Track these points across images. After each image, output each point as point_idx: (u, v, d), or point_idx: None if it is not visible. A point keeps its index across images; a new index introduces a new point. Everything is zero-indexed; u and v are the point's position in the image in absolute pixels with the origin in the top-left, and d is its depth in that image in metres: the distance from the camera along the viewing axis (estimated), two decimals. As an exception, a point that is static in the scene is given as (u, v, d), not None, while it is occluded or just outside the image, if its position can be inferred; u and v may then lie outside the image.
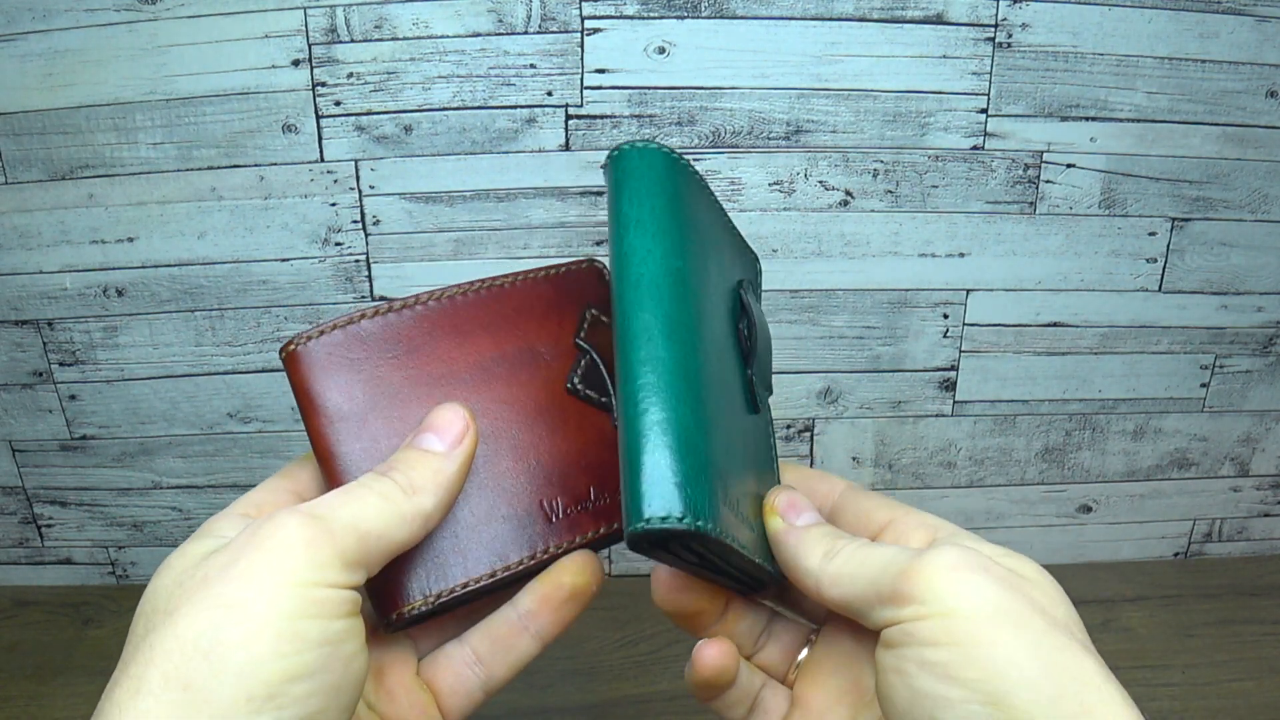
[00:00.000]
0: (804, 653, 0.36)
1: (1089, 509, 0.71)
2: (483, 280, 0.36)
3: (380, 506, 0.28)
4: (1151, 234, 0.63)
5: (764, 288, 0.45)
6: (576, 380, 0.36)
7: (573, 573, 0.33)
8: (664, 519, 0.27)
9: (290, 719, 0.24)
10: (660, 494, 0.27)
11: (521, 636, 0.33)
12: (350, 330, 0.34)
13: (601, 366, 0.36)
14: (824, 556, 0.31)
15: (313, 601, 0.25)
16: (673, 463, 0.28)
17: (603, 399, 0.36)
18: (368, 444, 0.32)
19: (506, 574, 0.32)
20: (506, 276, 0.37)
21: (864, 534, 0.33)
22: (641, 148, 0.36)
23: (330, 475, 0.32)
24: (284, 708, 0.24)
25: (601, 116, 0.58)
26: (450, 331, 0.35)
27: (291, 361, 0.33)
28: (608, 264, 0.35)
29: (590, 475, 0.34)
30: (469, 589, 0.31)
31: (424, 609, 0.31)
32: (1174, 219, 0.63)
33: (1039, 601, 0.28)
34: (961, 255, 0.63)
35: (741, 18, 0.56)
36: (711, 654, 0.32)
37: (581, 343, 0.36)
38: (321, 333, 0.34)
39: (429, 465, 0.30)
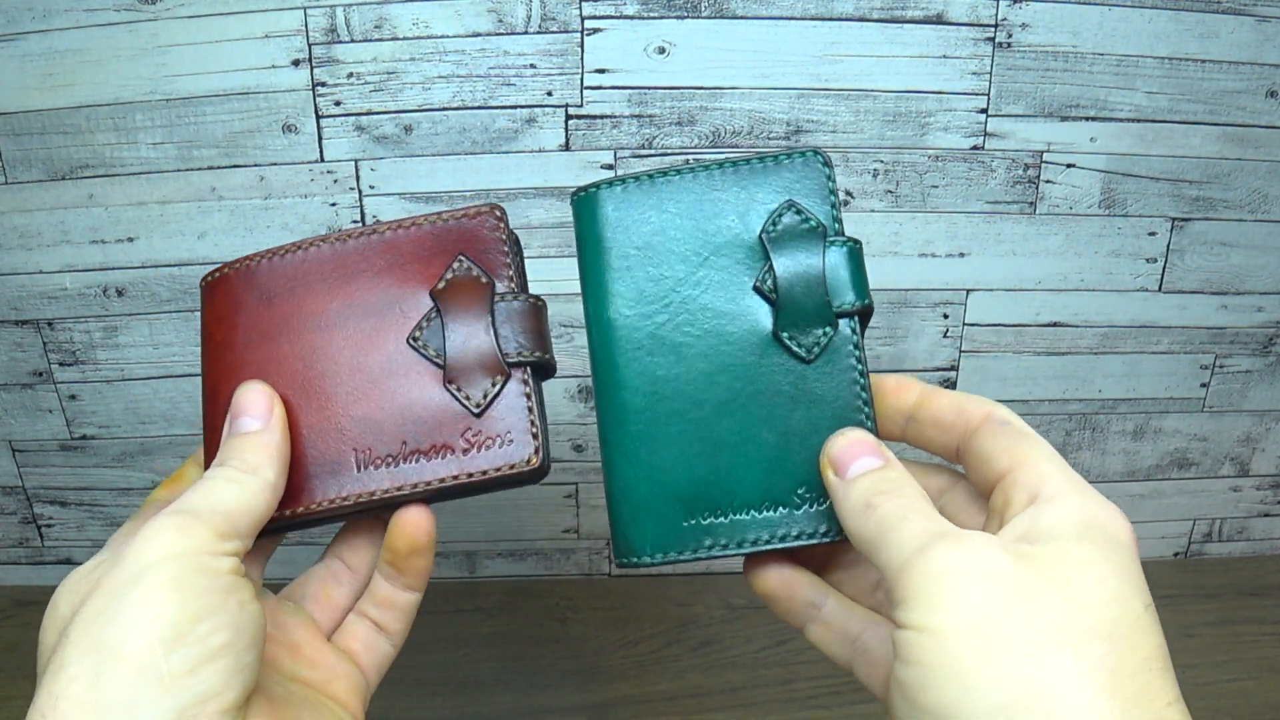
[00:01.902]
0: None
1: (1089, 509, 0.71)
2: (368, 227, 0.38)
3: (230, 489, 0.31)
4: (1151, 234, 0.63)
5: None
6: (418, 333, 0.36)
7: (396, 536, 0.35)
8: (623, 563, 0.35)
9: (201, 655, 0.26)
10: (617, 542, 0.35)
11: (397, 594, 0.36)
12: (242, 270, 0.38)
13: (444, 323, 0.36)
14: (860, 514, 0.30)
15: (198, 564, 0.28)
16: (613, 515, 0.35)
17: (438, 357, 0.35)
18: (236, 379, 0.36)
19: (320, 510, 0.35)
20: (393, 223, 0.37)
21: (982, 486, 0.32)
22: (579, 198, 0.38)
23: (208, 408, 0.36)
24: (193, 645, 0.26)
25: (601, 116, 0.58)
26: (321, 278, 0.37)
27: (202, 293, 0.38)
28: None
29: (405, 431, 0.35)
30: (296, 517, 0.35)
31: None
32: (1174, 219, 0.63)
33: (1047, 613, 0.25)
34: (961, 255, 0.63)
35: (741, 18, 0.56)
36: (765, 577, 0.35)
37: (435, 295, 0.36)
38: (226, 269, 0.38)
39: (256, 443, 0.33)
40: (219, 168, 0.58)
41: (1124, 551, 0.27)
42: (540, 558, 0.70)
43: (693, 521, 0.34)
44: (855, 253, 0.35)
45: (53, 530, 0.68)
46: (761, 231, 0.36)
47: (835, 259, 0.35)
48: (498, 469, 0.34)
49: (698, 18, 0.56)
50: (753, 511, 0.34)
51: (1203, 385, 0.68)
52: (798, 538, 0.34)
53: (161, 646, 0.26)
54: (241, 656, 0.27)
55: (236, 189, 0.59)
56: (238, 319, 0.37)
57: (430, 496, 0.35)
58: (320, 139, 0.58)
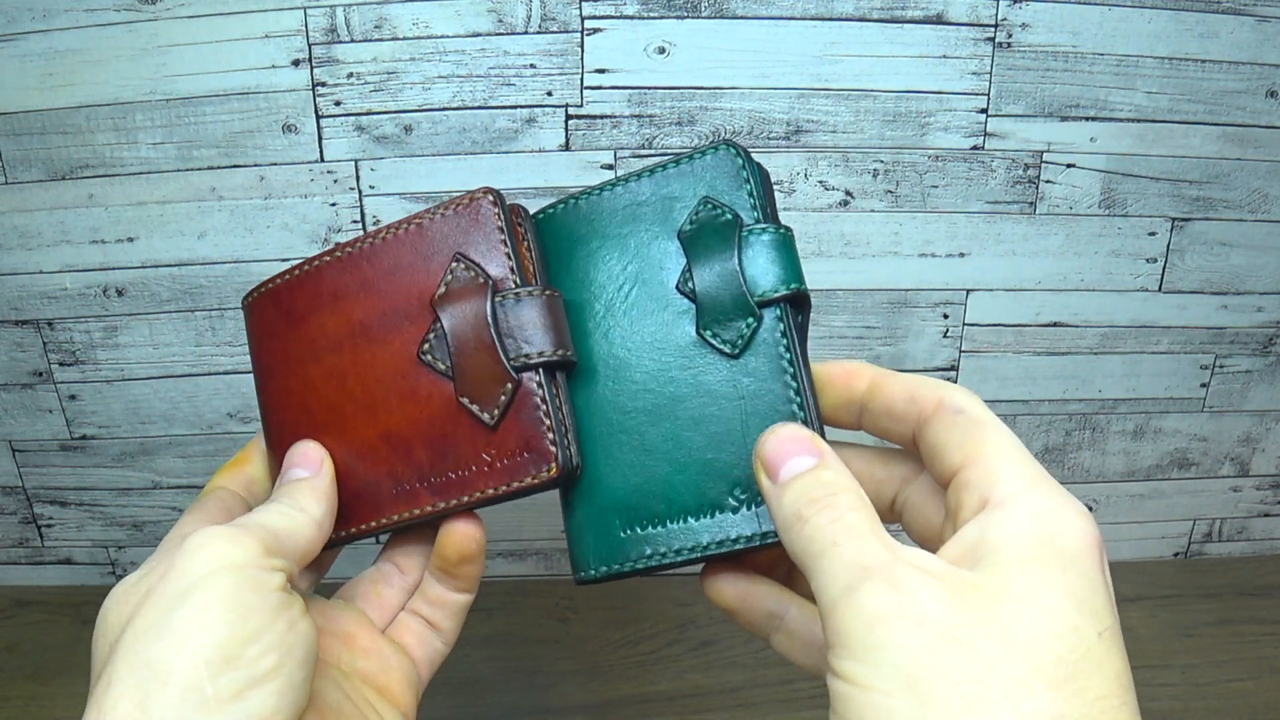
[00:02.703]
0: None
1: (1089, 509, 0.71)
2: (367, 235, 0.36)
3: (282, 514, 0.32)
4: (1151, 234, 0.63)
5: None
6: (426, 347, 0.34)
7: (446, 546, 0.35)
8: (576, 578, 0.35)
9: (250, 678, 0.26)
10: (571, 556, 0.36)
11: (448, 594, 0.37)
12: (270, 292, 0.37)
13: (447, 334, 0.34)
14: (792, 525, 0.27)
15: (247, 578, 0.27)
16: (566, 530, 0.36)
17: (449, 371, 0.34)
18: (284, 405, 0.37)
19: (363, 531, 0.36)
20: (400, 223, 0.36)
21: (939, 481, 0.29)
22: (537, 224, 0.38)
23: (264, 420, 0.37)
24: (241, 669, 0.26)
25: (601, 116, 0.58)
26: (331, 297, 0.36)
27: (245, 313, 0.39)
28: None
29: (431, 448, 0.34)
30: (339, 540, 0.36)
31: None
32: (1174, 219, 0.63)
33: (983, 652, 0.22)
34: (961, 255, 0.63)
35: (741, 18, 0.56)
36: (720, 588, 0.34)
37: (432, 307, 0.34)
38: (259, 291, 0.38)
39: (304, 487, 0.34)
40: (219, 168, 0.58)
41: (1080, 566, 0.24)
42: (540, 558, 0.70)
43: (630, 532, 0.34)
44: (779, 239, 0.34)
45: (53, 530, 0.68)
46: (678, 232, 0.35)
47: (754, 248, 0.34)
48: (521, 482, 0.33)
49: (698, 18, 0.56)
50: (690, 519, 0.33)
51: (1203, 385, 0.68)
52: (735, 542, 0.32)
53: (208, 669, 0.25)
54: (291, 677, 0.27)
55: (236, 189, 0.59)
56: (273, 343, 0.37)
57: (465, 510, 0.34)
58: (320, 139, 0.58)
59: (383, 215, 0.60)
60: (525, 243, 0.36)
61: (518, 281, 0.34)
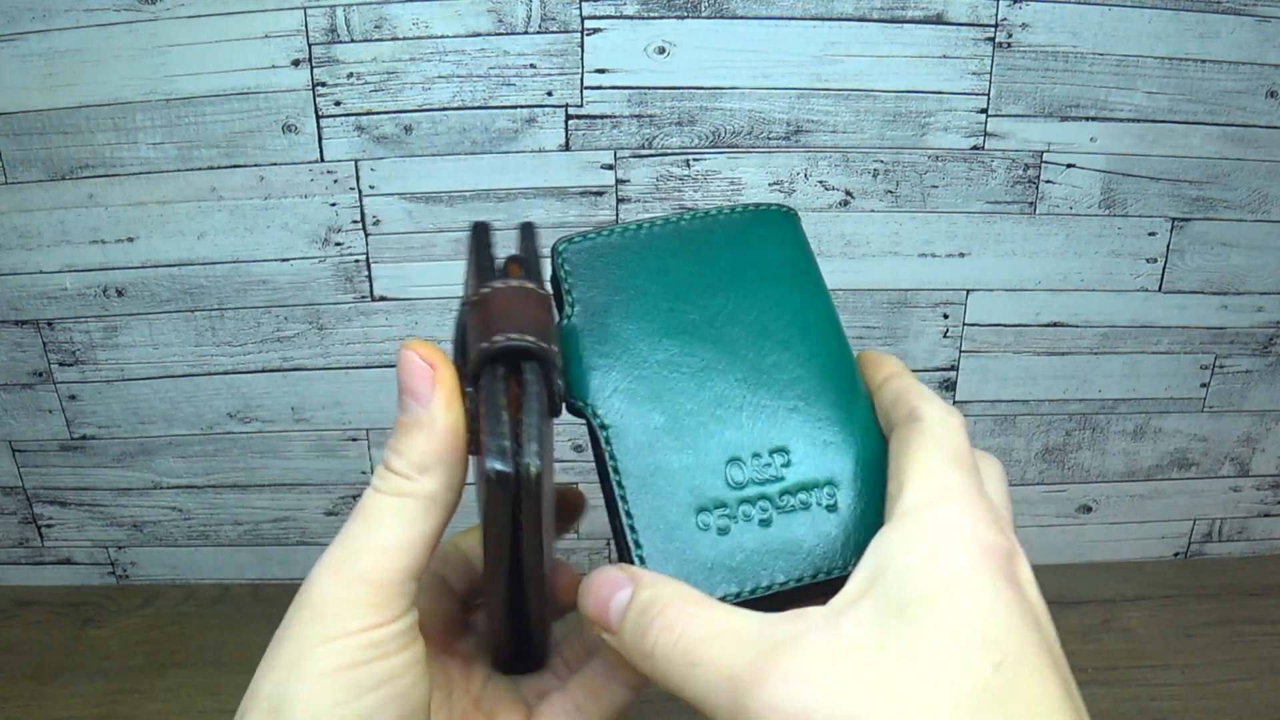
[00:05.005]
0: None
1: (1089, 509, 0.71)
2: None
3: (393, 519, 0.26)
4: (1151, 234, 0.63)
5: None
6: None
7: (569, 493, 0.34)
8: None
9: None
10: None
11: (610, 684, 0.32)
12: None
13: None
14: (640, 652, 0.25)
15: (360, 648, 0.25)
16: None
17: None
18: None
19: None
20: None
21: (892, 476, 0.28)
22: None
23: None
24: None
25: (601, 116, 0.58)
26: None
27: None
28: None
29: None
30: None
31: None
32: (1174, 219, 0.63)
33: (910, 698, 0.21)
34: (961, 255, 0.63)
35: (741, 18, 0.56)
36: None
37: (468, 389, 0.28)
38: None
39: (418, 438, 0.27)
40: (219, 168, 0.58)
41: (971, 591, 0.22)
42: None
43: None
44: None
45: (53, 530, 0.68)
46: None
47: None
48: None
49: (698, 18, 0.56)
50: None
51: (1203, 385, 0.68)
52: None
53: None
54: None
55: (236, 189, 0.59)
56: None
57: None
58: (320, 139, 0.58)
59: (383, 215, 0.60)
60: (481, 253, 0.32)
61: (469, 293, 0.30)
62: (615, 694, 0.32)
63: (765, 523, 0.29)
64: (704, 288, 0.33)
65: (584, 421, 0.30)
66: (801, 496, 0.30)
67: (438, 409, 0.26)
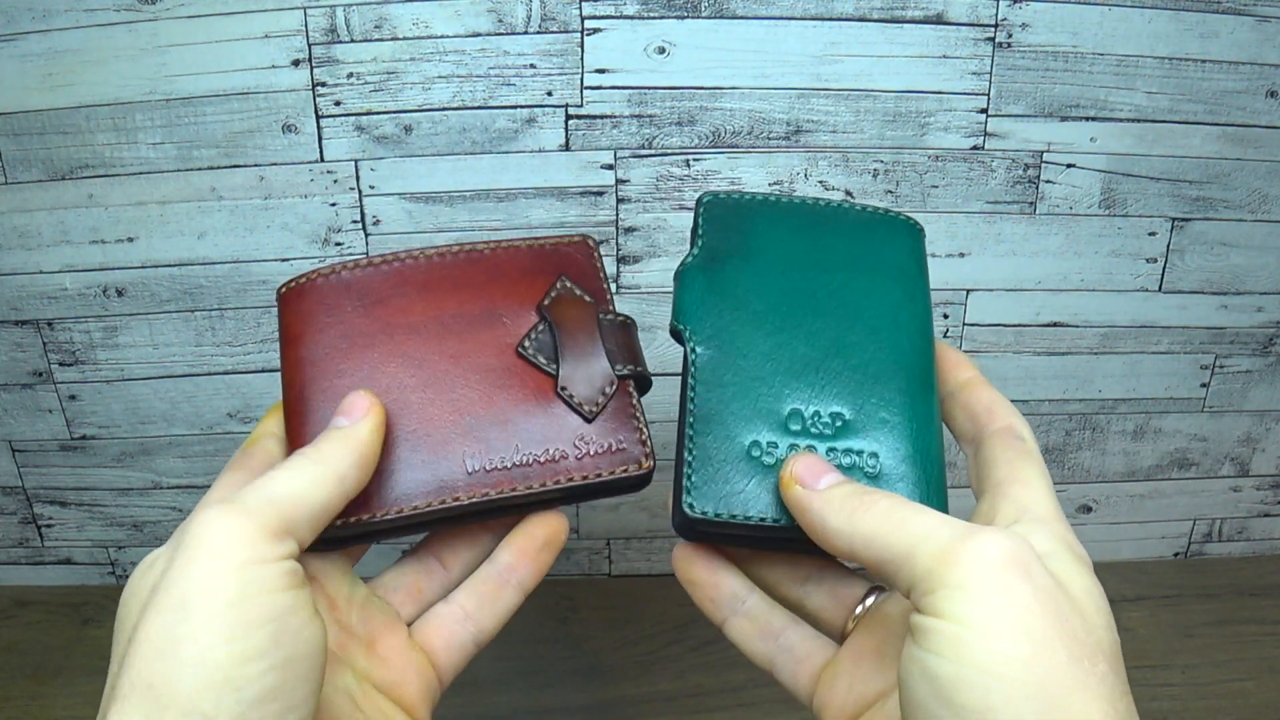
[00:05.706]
0: (869, 600, 0.36)
1: (1089, 509, 0.71)
2: (462, 245, 0.39)
3: (296, 472, 0.30)
4: (1151, 234, 0.63)
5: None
6: (528, 344, 0.37)
7: (542, 525, 0.36)
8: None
9: (251, 698, 0.25)
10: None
11: (504, 589, 0.36)
12: (330, 279, 0.38)
13: (554, 334, 0.37)
14: (854, 513, 0.30)
15: (249, 581, 0.27)
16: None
17: (549, 366, 0.37)
18: (329, 382, 0.36)
19: (415, 514, 0.34)
20: (489, 243, 0.39)
21: (976, 488, 0.34)
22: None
23: (291, 411, 0.36)
24: (242, 689, 0.25)
25: (601, 116, 0.58)
26: (419, 288, 0.38)
27: (281, 301, 0.38)
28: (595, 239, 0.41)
29: (518, 435, 0.36)
30: (377, 520, 0.34)
31: (338, 533, 0.34)
32: (1174, 219, 0.63)
33: (1071, 624, 0.26)
34: (961, 255, 0.63)
35: (741, 18, 0.56)
36: (693, 559, 0.37)
37: (543, 309, 0.38)
38: (307, 279, 0.38)
39: (337, 436, 0.32)
40: (219, 168, 0.58)
41: (1091, 584, 0.29)
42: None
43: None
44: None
45: (53, 530, 0.68)
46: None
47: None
48: (612, 472, 0.36)
49: (698, 18, 0.56)
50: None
51: (1203, 385, 0.68)
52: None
53: (209, 692, 0.25)
54: (293, 695, 0.27)
55: (236, 189, 0.59)
56: (330, 322, 0.37)
57: (541, 499, 0.36)
58: (320, 139, 0.58)
59: (382, 215, 0.60)
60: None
61: (612, 309, 0.39)
62: (508, 596, 0.36)
63: None
64: (816, 263, 0.37)
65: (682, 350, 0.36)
66: (846, 460, 0.34)
67: (364, 423, 0.33)
